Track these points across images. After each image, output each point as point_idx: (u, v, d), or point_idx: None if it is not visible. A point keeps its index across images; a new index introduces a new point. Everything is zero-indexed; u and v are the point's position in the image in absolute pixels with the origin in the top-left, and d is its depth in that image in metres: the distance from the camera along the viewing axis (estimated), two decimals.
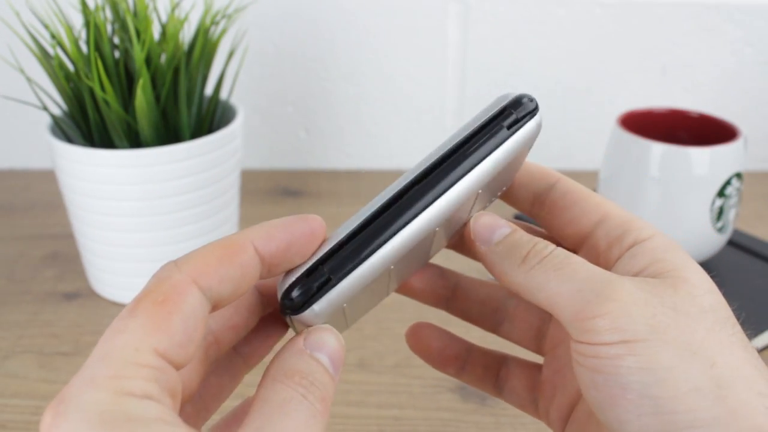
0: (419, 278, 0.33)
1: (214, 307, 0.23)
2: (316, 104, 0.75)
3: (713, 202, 0.52)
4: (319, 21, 0.72)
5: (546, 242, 0.27)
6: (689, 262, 0.26)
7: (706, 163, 0.51)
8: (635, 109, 0.58)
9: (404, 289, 0.33)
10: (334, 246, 0.24)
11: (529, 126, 0.26)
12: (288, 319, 0.25)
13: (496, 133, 0.26)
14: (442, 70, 0.74)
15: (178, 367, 0.21)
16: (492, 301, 0.34)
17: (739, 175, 0.53)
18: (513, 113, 0.26)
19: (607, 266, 0.27)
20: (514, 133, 0.26)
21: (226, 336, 0.26)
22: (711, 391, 0.23)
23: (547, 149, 0.76)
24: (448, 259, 0.36)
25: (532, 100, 0.27)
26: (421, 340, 0.35)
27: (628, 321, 0.24)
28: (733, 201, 0.53)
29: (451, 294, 0.34)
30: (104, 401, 0.19)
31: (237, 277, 0.23)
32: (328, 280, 0.24)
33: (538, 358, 0.33)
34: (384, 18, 0.72)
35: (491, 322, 0.34)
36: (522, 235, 0.27)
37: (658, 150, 0.51)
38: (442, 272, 0.33)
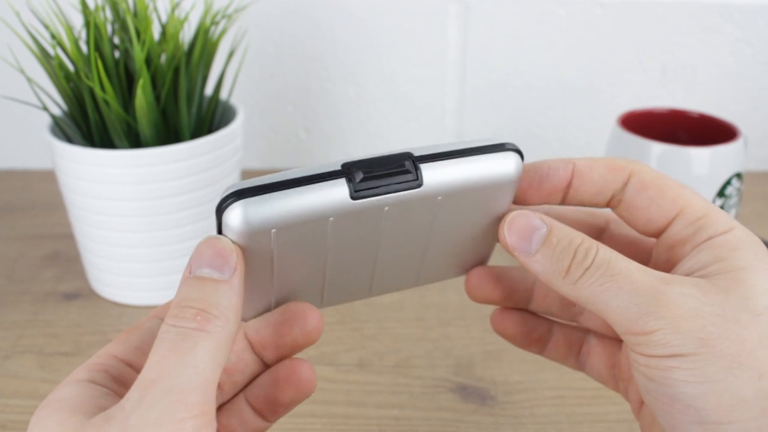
0: (501, 291, 0.33)
1: None
2: (317, 104, 0.75)
3: (713, 202, 0.52)
4: (319, 21, 0.72)
5: (586, 246, 0.26)
6: (755, 260, 0.26)
7: (706, 163, 0.51)
8: (635, 109, 0.58)
9: (488, 294, 0.33)
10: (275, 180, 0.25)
11: (505, 161, 0.27)
12: (217, 229, 0.26)
13: (469, 152, 0.27)
14: (442, 70, 0.74)
15: (137, 367, 0.26)
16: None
17: (739, 175, 0.53)
18: (497, 149, 0.27)
19: (677, 262, 0.27)
20: (484, 154, 0.27)
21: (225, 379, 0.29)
22: (757, 404, 0.23)
23: (547, 149, 0.76)
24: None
25: (517, 150, 0.28)
26: (505, 326, 0.34)
27: (678, 336, 0.24)
28: (733, 201, 0.53)
29: (529, 295, 0.33)
30: (57, 389, 0.25)
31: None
32: (266, 191, 0.24)
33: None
34: (384, 18, 0.72)
35: (571, 314, 0.34)
36: (560, 239, 0.27)
37: (658, 150, 0.51)
38: (520, 274, 0.33)
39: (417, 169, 0.26)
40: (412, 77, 0.74)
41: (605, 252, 0.26)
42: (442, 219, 0.28)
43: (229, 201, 0.24)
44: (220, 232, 0.25)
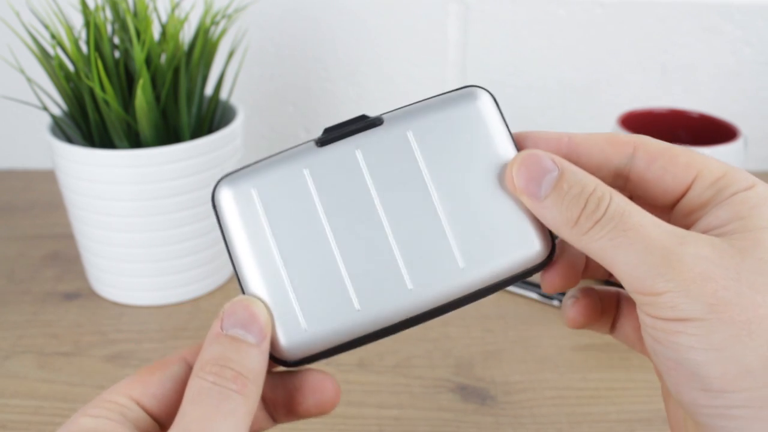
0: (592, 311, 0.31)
1: None
2: (317, 104, 0.75)
3: None
4: (319, 21, 0.72)
5: (599, 195, 0.25)
6: None
7: None
8: (635, 109, 0.58)
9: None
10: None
11: (470, 95, 0.28)
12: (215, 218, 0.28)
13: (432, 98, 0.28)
14: (442, 70, 0.74)
15: (159, 418, 0.26)
16: None
17: None
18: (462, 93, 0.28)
19: (695, 223, 0.26)
20: (446, 94, 0.28)
21: None
22: (763, 374, 0.23)
23: None
24: None
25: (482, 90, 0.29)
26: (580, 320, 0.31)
27: (686, 300, 0.23)
28: None
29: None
30: (71, 420, 0.25)
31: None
32: (248, 167, 0.28)
33: None
34: (384, 18, 0.72)
35: (603, 272, 0.32)
36: (572, 186, 0.25)
37: None
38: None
39: (378, 118, 0.28)
40: (412, 77, 0.74)
41: (619, 203, 0.24)
42: (436, 172, 0.27)
43: (216, 183, 0.28)
44: (219, 222, 0.28)
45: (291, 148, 0.28)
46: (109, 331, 0.51)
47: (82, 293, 0.56)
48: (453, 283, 0.27)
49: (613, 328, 0.32)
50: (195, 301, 0.54)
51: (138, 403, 0.25)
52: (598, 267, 0.31)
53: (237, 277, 0.27)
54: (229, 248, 0.28)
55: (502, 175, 0.27)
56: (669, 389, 0.25)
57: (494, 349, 0.49)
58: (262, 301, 0.26)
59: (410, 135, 0.27)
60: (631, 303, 0.31)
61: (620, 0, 0.71)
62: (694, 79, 0.74)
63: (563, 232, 0.25)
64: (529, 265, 0.27)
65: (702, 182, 0.26)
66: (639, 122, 0.57)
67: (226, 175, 0.28)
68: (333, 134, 0.28)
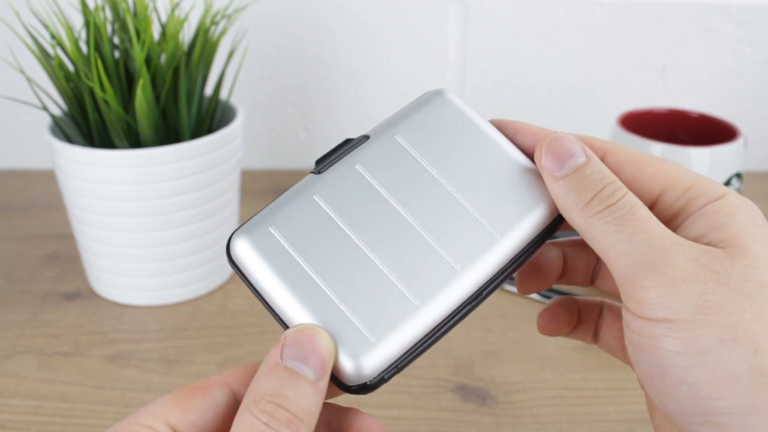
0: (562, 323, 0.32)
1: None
2: (316, 104, 0.75)
3: None
4: (319, 21, 0.72)
5: (616, 186, 0.25)
6: (754, 226, 0.25)
7: (706, 163, 0.51)
8: (635, 109, 0.58)
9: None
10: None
11: (435, 92, 0.30)
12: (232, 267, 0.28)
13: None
14: (442, 70, 0.74)
15: None
16: (590, 260, 0.32)
17: (739, 175, 0.53)
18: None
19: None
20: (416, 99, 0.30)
21: None
22: (750, 380, 0.22)
23: None
24: None
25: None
26: (551, 327, 0.33)
27: (673, 299, 0.23)
28: None
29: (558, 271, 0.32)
30: None
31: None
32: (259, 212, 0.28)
33: None
34: (384, 18, 0.72)
35: (589, 278, 0.33)
36: (593, 172, 0.26)
37: (658, 150, 0.51)
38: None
39: (363, 136, 0.29)
40: (412, 77, 0.74)
41: (632, 198, 0.25)
42: (436, 161, 0.29)
43: (229, 239, 0.27)
44: (241, 274, 0.27)
45: (291, 188, 0.28)
46: (109, 331, 0.51)
47: (82, 293, 0.56)
48: (495, 252, 0.27)
49: (596, 337, 0.32)
50: (195, 301, 0.54)
51: (174, 430, 0.24)
52: (578, 272, 0.32)
53: (279, 319, 0.26)
54: (263, 294, 0.26)
55: (495, 150, 0.29)
56: (654, 401, 0.25)
57: (494, 349, 0.49)
58: (327, 332, 0.24)
59: (399, 138, 0.29)
60: (614, 313, 0.32)
61: (620, 0, 0.71)
62: (694, 79, 0.74)
63: (572, 211, 0.26)
64: (550, 220, 0.28)
65: (671, 193, 0.26)
66: (639, 122, 0.57)
67: (236, 231, 0.27)
68: (327, 161, 0.28)
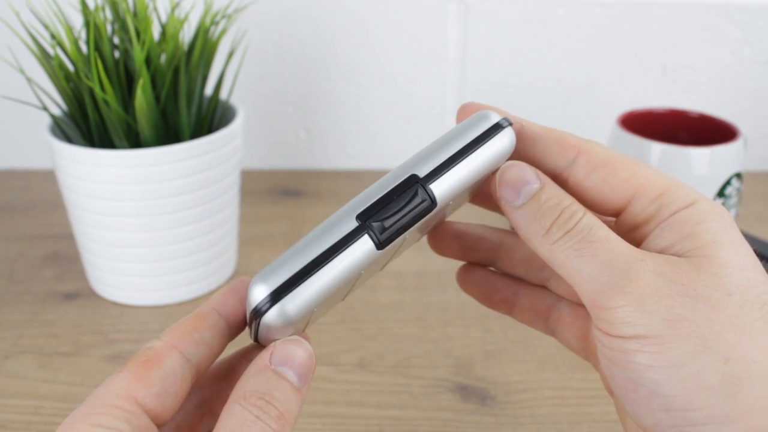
0: (460, 247, 0.32)
1: (198, 368, 0.26)
2: (316, 104, 0.75)
3: None
4: (319, 21, 0.72)
5: (573, 209, 0.25)
6: (723, 233, 0.24)
7: (706, 163, 0.51)
8: (635, 109, 0.58)
9: (447, 249, 0.33)
10: (305, 258, 0.25)
11: (502, 140, 0.27)
12: (254, 330, 0.26)
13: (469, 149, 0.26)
14: (442, 70, 0.74)
15: (155, 416, 0.24)
16: (537, 259, 0.32)
17: (739, 175, 0.53)
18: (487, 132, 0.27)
19: (641, 242, 0.26)
20: (482, 144, 0.26)
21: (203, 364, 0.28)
22: (722, 389, 0.23)
23: None
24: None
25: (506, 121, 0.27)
26: (468, 283, 0.34)
27: (643, 316, 0.23)
28: (733, 201, 0.53)
29: (494, 255, 0.33)
30: (75, 429, 0.23)
31: (209, 338, 0.26)
32: (298, 283, 0.24)
33: None
34: (384, 18, 0.72)
35: (539, 278, 0.33)
36: (549, 198, 0.26)
37: (658, 150, 0.51)
38: (483, 233, 0.32)
39: (427, 190, 0.26)
40: (412, 77, 0.74)
41: (590, 219, 0.25)
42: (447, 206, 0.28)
43: (265, 305, 0.24)
44: (257, 335, 0.26)
45: (342, 245, 0.25)
46: (108, 331, 0.51)
47: (82, 293, 0.56)
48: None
49: (551, 330, 0.33)
50: (195, 301, 0.54)
51: (143, 407, 0.24)
52: (517, 265, 0.33)
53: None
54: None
55: None
56: (629, 412, 0.25)
57: (494, 349, 0.49)
58: (309, 345, 0.26)
59: (450, 203, 0.27)
60: (575, 312, 0.32)
61: (620, 0, 0.71)
62: (694, 79, 0.74)
63: (534, 241, 0.26)
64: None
65: (643, 198, 0.26)
66: (639, 122, 0.57)
67: (275, 296, 0.24)
68: (392, 233, 0.25)
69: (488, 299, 0.33)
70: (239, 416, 0.23)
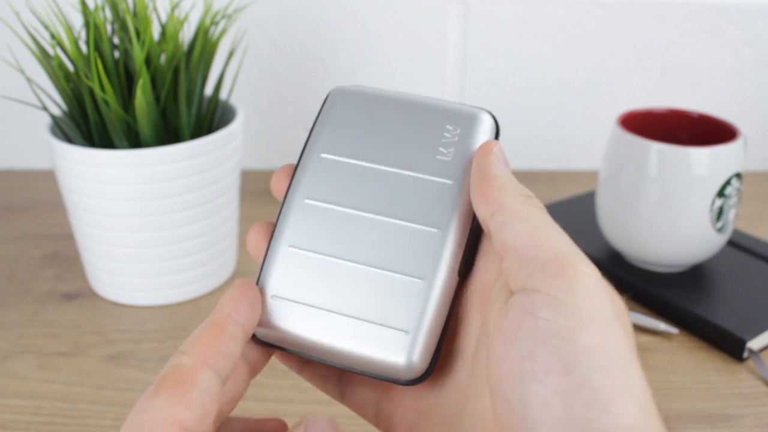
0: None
1: (225, 381, 0.25)
2: (316, 104, 0.75)
3: (713, 203, 0.52)
4: (319, 21, 0.72)
5: None
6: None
7: (706, 163, 0.51)
8: (635, 109, 0.58)
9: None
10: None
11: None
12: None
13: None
14: (442, 70, 0.74)
15: None
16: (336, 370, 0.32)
17: (738, 175, 0.53)
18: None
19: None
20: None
21: (227, 408, 0.28)
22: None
23: (547, 149, 0.76)
24: None
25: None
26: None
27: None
28: (732, 201, 0.53)
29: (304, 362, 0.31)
30: None
31: (233, 348, 0.26)
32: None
33: None
34: (384, 18, 0.72)
35: (339, 391, 0.32)
36: None
37: (658, 150, 0.51)
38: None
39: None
40: (412, 77, 0.74)
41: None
42: (382, 155, 0.31)
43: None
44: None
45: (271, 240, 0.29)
46: (108, 331, 0.51)
47: (81, 293, 0.56)
48: (458, 202, 0.29)
49: (341, 395, 0.32)
50: (195, 301, 0.54)
51: (187, 431, 0.23)
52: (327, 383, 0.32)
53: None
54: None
55: (418, 117, 0.34)
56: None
57: None
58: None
59: (325, 155, 0.31)
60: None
61: (620, 0, 0.71)
62: (694, 79, 0.74)
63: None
64: None
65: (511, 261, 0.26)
66: (639, 122, 0.57)
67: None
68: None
69: (281, 355, 0.31)
70: None
